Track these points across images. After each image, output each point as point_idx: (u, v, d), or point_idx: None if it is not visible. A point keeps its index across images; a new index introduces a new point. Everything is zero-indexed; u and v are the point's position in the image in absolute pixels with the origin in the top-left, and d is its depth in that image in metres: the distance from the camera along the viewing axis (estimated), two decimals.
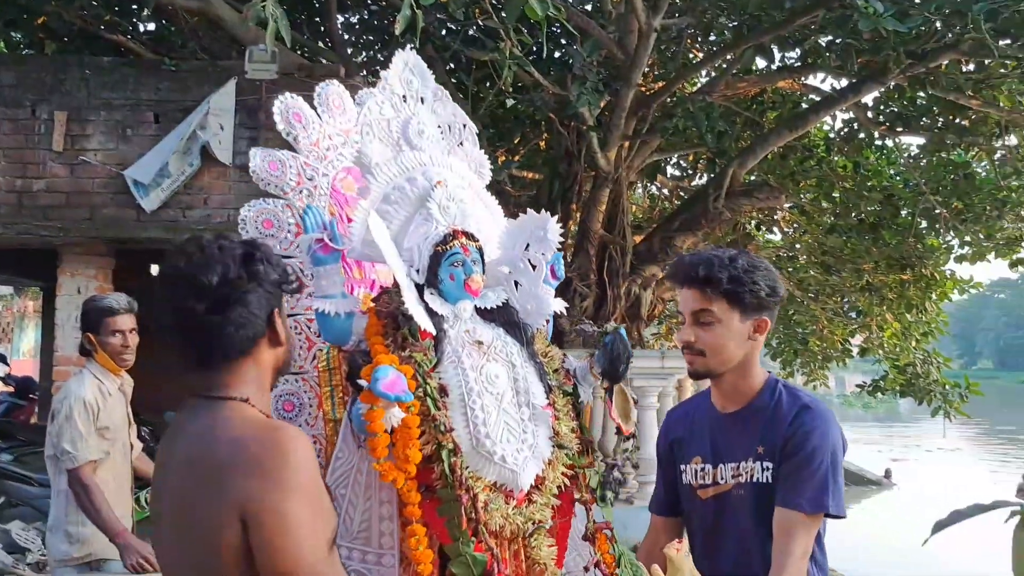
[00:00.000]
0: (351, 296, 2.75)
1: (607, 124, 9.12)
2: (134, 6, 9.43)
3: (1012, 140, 10.22)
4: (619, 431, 2.89)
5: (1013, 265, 11.34)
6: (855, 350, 14.12)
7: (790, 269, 13.31)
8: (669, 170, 13.38)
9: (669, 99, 9.59)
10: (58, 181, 7.35)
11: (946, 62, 8.15)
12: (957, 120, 9.87)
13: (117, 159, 7.34)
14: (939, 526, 3.34)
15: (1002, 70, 8.57)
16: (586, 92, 7.64)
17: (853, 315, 13.59)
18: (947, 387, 12.43)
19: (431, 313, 2.62)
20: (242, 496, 1.73)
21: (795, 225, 12.84)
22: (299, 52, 9.62)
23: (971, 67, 8.81)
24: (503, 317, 2.75)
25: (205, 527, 1.76)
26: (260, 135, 7.26)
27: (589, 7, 9.98)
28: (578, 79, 7.70)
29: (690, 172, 13.40)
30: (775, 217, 12.72)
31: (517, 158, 12.53)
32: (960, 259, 11.54)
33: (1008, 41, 7.53)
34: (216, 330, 1.83)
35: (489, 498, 2.48)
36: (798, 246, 13.21)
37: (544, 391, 2.69)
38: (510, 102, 10.03)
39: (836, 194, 11.44)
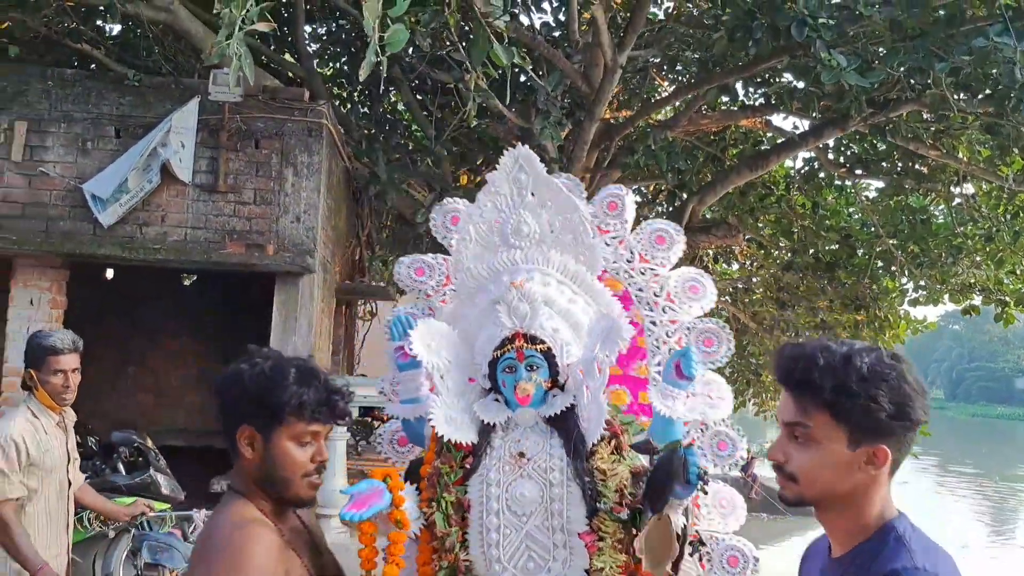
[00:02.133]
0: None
1: (569, 155, 9.17)
2: (100, 16, 9.31)
3: (969, 189, 10.41)
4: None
5: (965, 312, 11.52)
6: None
7: (746, 301, 13.45)
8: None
9: (632, 131, 9.65)
10: (15, 191, 7.26)
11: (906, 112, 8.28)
12: (916, 166, 10.03)
13: (76, 172, 7.26)
14: None
15: (961, 122, 8.72)
16: (549, 126, 7.70)
17: None
18: None
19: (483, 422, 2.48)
20: None
21: (752, 258, 12.95)
22: (264, 64, 9.57)
23: (931, 117, 8.95)
24: (562, 425, 2.48)
25: None
26: (220, 155, 7.22)
27: (556, 34, 10.02)
28: (541, 113, 7.74)
29: (651, 200, 13.50)
30: (734, 250, 12.84)
31: (479, 179, 12.57)
32: (914, 303, 11.75)
33: (968, 96, 7.68)
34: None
35: None
36: (755, 279, 13.34)
37: (585, 515, 2.38)
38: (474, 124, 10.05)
39: (794, 231, 11.57)
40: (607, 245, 3.06)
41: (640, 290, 3.04)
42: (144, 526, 4.49)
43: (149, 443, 6.55)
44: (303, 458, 2.06)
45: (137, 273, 8.67)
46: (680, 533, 2.18)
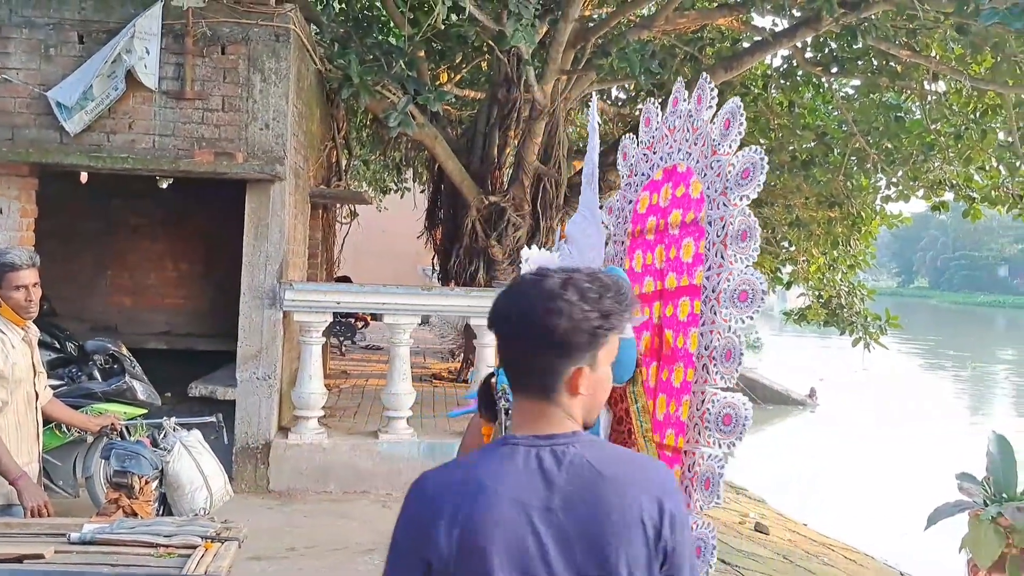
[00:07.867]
0: None
1: (544, 57, 9.09)
2: None
3: (941, 87, 10.40)
4: None
5: (935, 208, 11.65)
6: (785, 278, 14.48)
7: None
8: (613, 92, 13.41)
9: (609, 31, 9.55)
10: None
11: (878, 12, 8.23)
12: (890, 64, 10.00)
13: (39, 79, 7.19)
14: (930, 521, 3.88)
15: (934, 21, 8.66)
16: (521, 29, 7.60)
17: (786, 244, 13.91)
18: (868, 319, 12.87)
19: None
20: None
21: None
22: None
23: (903, 16, 8.89)
24: None
25: None
26: (186, 62, 7.16)
27: None
28: (513, 15, 7.64)
29: (633, 95, 13.41)
30: None
31: (459, 77, 12.46)
32: (886, 199, 11.84)
33: None
34: None
35: None
36: None
37: None
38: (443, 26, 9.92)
39: (771, 130, 11.57)
40: (711, 169, 3.05)
41: (710, 224, 3.02)
42: (122, 434, 4.64)
43: (124, 350, 6.69)
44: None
45: (111, 175, 8.68)
46: None
